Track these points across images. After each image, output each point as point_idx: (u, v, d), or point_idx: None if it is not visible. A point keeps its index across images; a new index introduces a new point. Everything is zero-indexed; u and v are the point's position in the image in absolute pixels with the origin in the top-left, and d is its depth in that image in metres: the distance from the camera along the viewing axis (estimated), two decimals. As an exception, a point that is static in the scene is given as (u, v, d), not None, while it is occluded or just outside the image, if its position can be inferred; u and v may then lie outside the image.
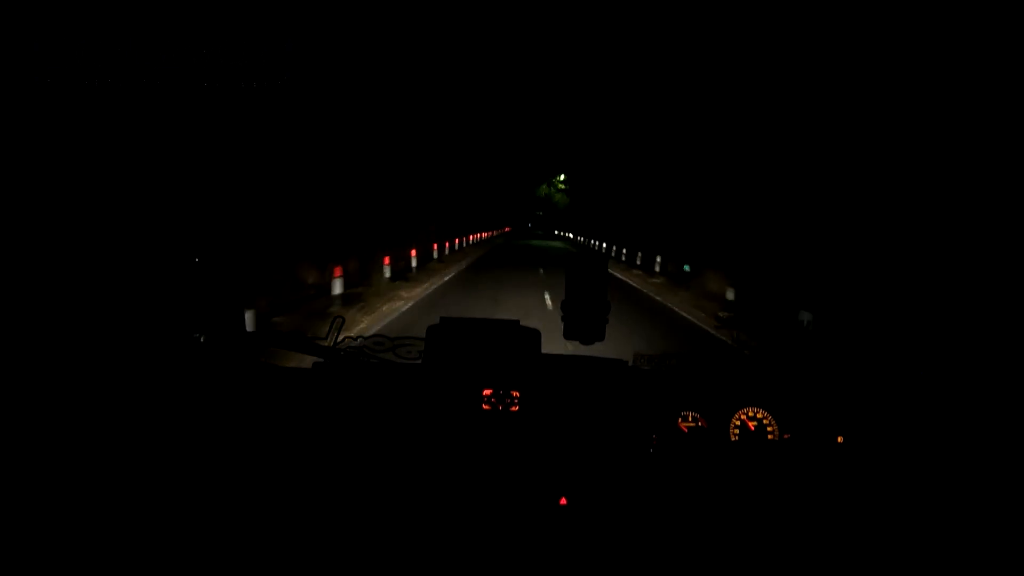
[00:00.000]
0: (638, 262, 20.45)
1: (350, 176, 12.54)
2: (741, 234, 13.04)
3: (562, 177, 51.13)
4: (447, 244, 21.03)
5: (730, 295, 11.82)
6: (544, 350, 1.91)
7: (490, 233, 42.25)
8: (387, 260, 13.11)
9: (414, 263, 15.40)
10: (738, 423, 1.78)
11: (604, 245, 28.20)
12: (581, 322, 1.79)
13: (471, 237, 29.62)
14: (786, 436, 1.76)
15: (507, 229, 61.59)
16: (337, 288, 10.16)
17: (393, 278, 12.90)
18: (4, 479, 1.50)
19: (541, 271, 16.65)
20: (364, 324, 8.09)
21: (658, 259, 17.67)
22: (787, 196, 10.98)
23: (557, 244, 38.51)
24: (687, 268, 14.89)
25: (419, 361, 1.90)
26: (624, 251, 22.71)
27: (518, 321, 1.93)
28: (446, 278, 14.34)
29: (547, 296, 10.84)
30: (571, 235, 48.50)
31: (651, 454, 1.72)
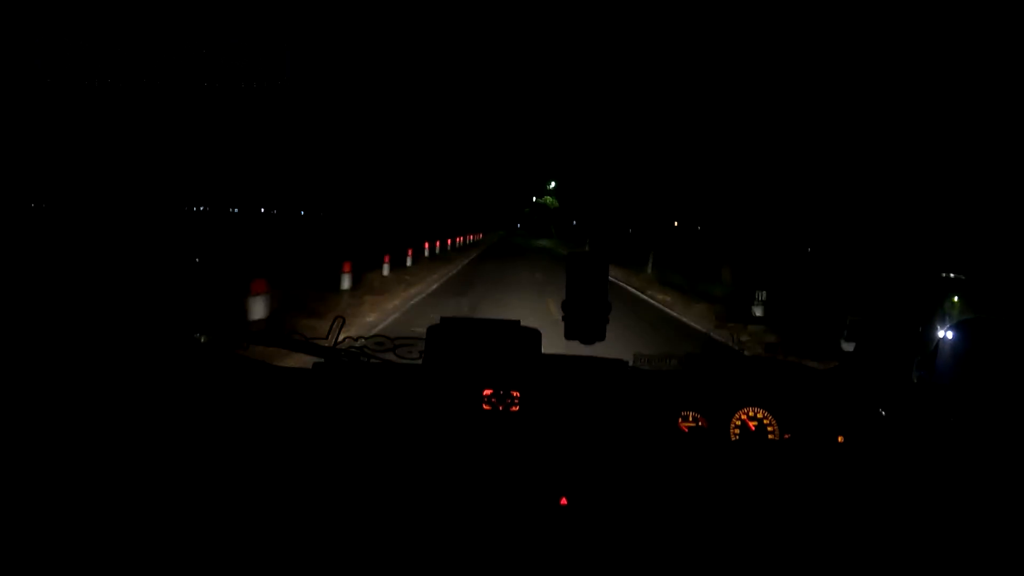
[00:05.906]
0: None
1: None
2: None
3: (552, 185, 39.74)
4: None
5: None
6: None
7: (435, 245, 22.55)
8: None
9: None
10: (738, 423, 1.78)
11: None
12: (582, 322, 1.79)
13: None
14: (786, 436, 1.76)
15: (477, 236, 40.63)
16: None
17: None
18: (2, 479, 1.50)
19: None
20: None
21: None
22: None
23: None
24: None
25: (419, 361, 1.90)
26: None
27: (519, 321, 1.94)
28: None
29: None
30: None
31: (651, 454, 1.73)
